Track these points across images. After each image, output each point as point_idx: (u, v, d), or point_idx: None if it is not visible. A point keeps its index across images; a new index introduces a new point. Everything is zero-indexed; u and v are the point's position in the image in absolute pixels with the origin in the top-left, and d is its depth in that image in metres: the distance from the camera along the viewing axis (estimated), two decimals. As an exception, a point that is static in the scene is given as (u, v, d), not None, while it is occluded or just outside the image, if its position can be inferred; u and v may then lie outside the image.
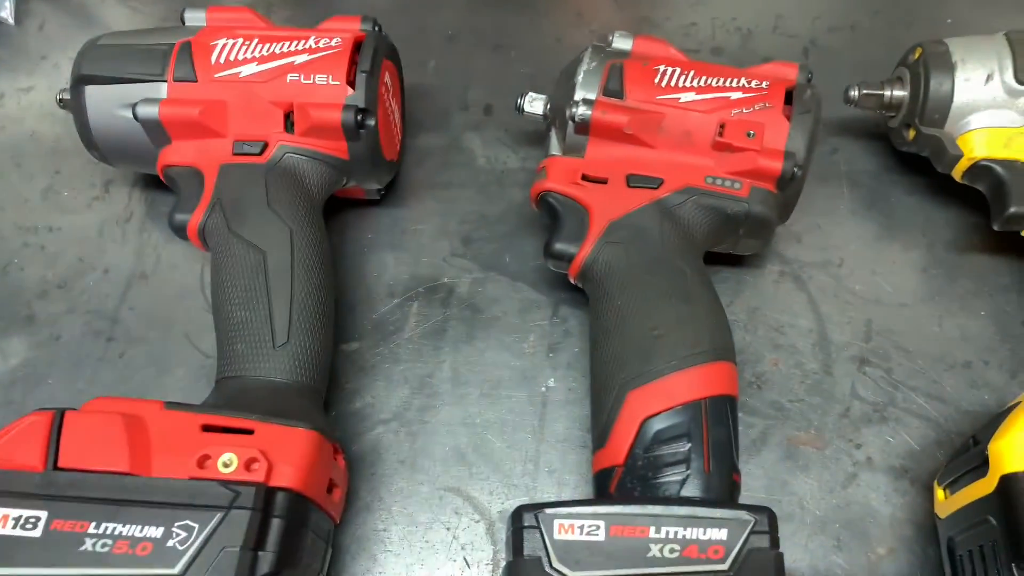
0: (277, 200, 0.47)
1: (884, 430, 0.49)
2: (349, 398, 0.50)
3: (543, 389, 0.51)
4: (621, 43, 0.51)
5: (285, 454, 0.38)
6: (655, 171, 0.48)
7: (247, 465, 0.37)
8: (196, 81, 0.49)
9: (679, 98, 0.48)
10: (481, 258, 0.55)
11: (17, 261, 0.55)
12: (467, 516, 0.47)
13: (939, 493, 0.44)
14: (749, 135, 0.47)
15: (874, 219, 0.56)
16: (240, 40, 0.49)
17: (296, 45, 0.49)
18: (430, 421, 0.49)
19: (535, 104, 0.53)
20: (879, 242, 0.55)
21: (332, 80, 0.48)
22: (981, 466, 0.40)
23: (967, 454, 0.42)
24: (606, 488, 0.41)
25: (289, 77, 0.48)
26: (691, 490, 0.39)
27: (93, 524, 0.35)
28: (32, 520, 0.35)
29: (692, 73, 0.49)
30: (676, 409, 0.41)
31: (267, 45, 0.49)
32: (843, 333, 0.52)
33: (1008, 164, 0.49)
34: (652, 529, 0.37)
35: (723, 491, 0.40)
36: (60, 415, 0.38)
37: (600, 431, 0.43)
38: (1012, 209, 0.49)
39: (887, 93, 0.53)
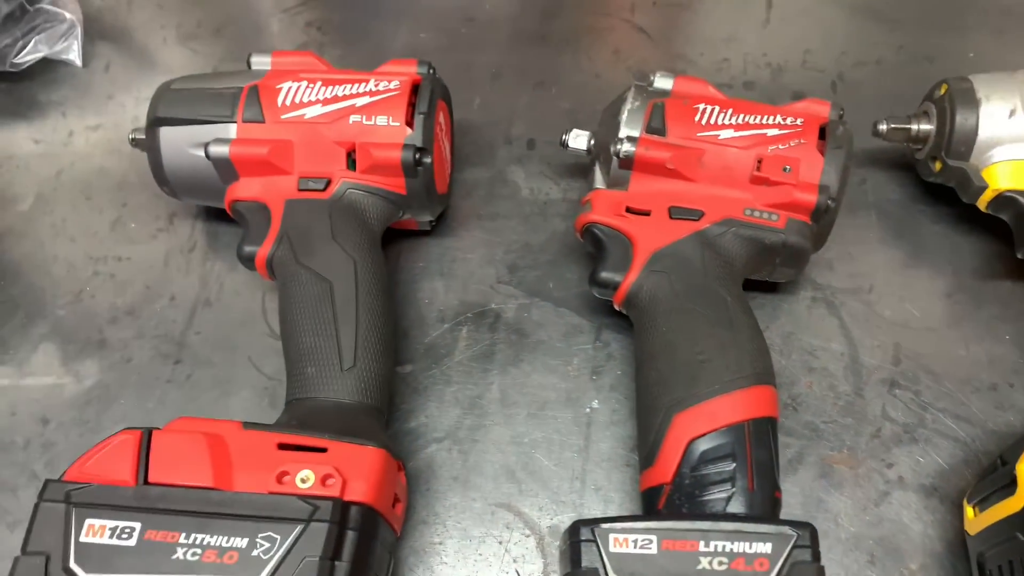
0: (341, 233, 0.50)
1: (914, 450, 0.51)
2: (404, 418, 0.53)
3: (587, 410, 0.53)
4: (662, 83, 0.54)
5: (357, 471, 0.41)
6: (696, 203, 0.51)
7: (323, 481, 0.40)
8: (264, 122, 0.52)
9: (718, 135, 0.51)
10: (526, 285, 0.58)
11: (88, 289, 0.59)
12: (518, 531, 0.49)
13: (968, 511, 0.46)
14: (785, 169, 0.50)
15: (902, 247, 0.59)
16: (304, 83, 0.53)
17: (357, 88, 0.52)
18: (481, 440, 0.52)
19: (579, 140, 0.56)
20: (907, 269, 0.58)
21: (392, 121, 0.52)
22: (1009, 485, 0.42)
23: (995, 474, 0.44)
24: (654, 505, 0.44)
25: (352, 119, 0.52)
26: (736, 507, 0.42)
27: (183, 535, 0.38)
28: (127, 530, 0.38)
29: (730, 111, 0.52)
30: (721, 431, 0.43)
31: (330, 88, 0.52)
32: (873, 356, 0.54)
33: (1032, 196, 0.52)
34: (701, 543, 0.39)
35: (766, 508, 0.42)
36: (148, 433, 0.41)
37: (648, 451, 0.45)
38: (1036, 239, 0.51)
39: (914, 127, 0.56)
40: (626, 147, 0.51)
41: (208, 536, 0.38)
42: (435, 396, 0.54)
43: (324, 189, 0.51)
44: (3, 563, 0.37)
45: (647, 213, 0.51)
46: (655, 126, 0.51)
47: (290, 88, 0.53)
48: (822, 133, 0.51)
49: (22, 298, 0.58)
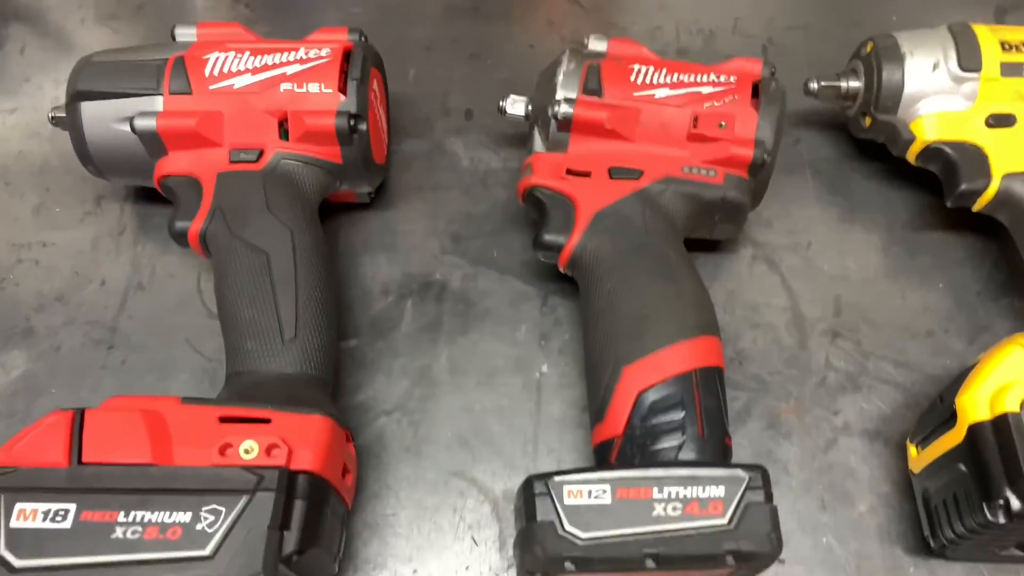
0: (276, 204, 0.49)
1: (858, 397, 0.52)
2: (351, 392, 0.52)
3: (537, 375, 0.53)
4: (597, 45, 0.54)
5: (303, 439, 0.39)
6: (635, 163, 0.51)
7: (268, 451, 0.39)
8: (191, 93, 0.50)
9: (654, 94, 0.51)
10: (470, 254, 0.57)
11: (12, 277, 0.56)
12: (472, 498, 0.48)
13: (912, 450, 0.47)
14: (721, 126, 0.50)
15: (837, 203, 0.60)
16: (232, 53, 0.51)
17: (288, 56, 0.51)
18: (431, 410, 0.51)
19: (516, 105, 0.56)
20: (843, 224, 0.59)
21: (324, 88, 0.50)
22: (949, 420, 0.44)
23: (935, 411, 0.46)
24: (607, 458, 0.44)
25: (283, 87, 0.50)
26: (687, 454, 0.42)
27: (122, 513, 0.36)
28: (61, 512, 0.36)
29: (665, 71, 0.52)
30: (669, 381, 0.43)
31: (259, 57, 0.51)
32: (815, 309, 0.55)
33: (957, 145, 0.53)
34: (655, 490, 0.39)
35: (717, 454, 0.43)
36: (80, 413, 0.39)
37: (598, 407, 0.45)
38: (963, 186, 0.52)
39: (843, 84, 0.57)
40: (563, 109, 0.51)
41: (149, 513, 0.37)
42: (383, 369, 0.53)
43: (257, 160, 0.50)
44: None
45: (587, 174, 0.51)
46: (591, 87, 0.51)
47: (218, 58, 0.51)
48: (755, 90, 0.52)
49: (-60, 290, 0.55)
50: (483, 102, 0.63)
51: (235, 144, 0.51)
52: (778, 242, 0.58)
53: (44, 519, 0.36)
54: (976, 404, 0.42)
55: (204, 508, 0.37)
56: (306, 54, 0.51)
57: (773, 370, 0.53)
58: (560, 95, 0.51)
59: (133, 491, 0.37)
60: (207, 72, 0.51)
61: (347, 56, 0.52)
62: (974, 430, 0.42)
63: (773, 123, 0.50)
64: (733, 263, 0.57)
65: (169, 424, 0.40)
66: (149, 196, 0.58)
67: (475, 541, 0.47)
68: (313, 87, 0.50)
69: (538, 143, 0.54)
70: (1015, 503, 0.39)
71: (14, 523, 0.36)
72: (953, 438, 0.43)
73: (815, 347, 0.54)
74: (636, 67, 0.52)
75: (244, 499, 0.37)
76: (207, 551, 0.36)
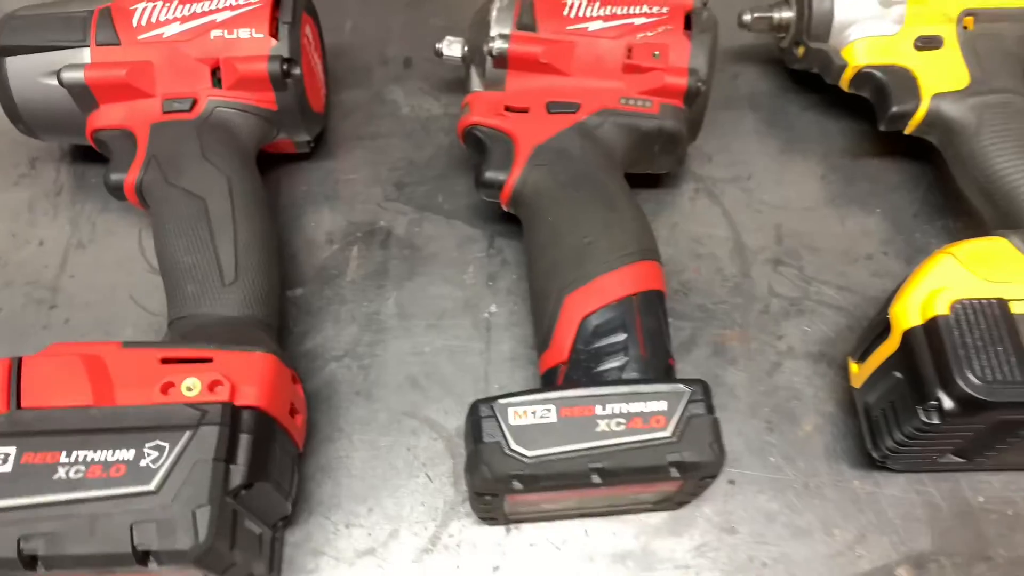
0: (212, 151, 0.49)
1: (801, 321, 0.53)
2: (299, 340, 0.52)
3: (486, 315, 0.53)
4: (530, -19, 0.54)
5: (246, 376, 0.40)
6: (572, 97, 0.51)
7: (211, 388, 0.39)
8: (119, 44, 0.50)
9: (587, 27, 0.51)
10: (415, 200, 0.58)
11: (-53, 242, 0.55)
12: (425, 435, 0.49)
13: (853, 367, 0.48)
14: (655, 56, 0.51)
15: (776, 135, 0.61)
16: (160, 3, 0.51)
17: (217, 3, 0.50)
18: (381, 354, 0.52)
19: (453, 47, 0.56)
20: (782, 155, 0.60)
21: (256, 33, 0.50)
22: (884, 332, 0.45)
23: (873, 325, 0.47)
24: (553, 384, 0.44)
25: (213, 34, 0.50)
26: (630, 374, 0.43)
27: (64, 453, 0.36)
28: (2, 457, 0.36)
29: (598, 3, 0.52)
30: (611, 305, 0.44)
31: (188, 5, 0.50)
32: (757, 239, 0.56)
33: (887, 69, 0.54)
34: (598, 407, 0.40)
35: (660, 373, 0.43)
36: (17, 361, 0.39)
37: (543, 335, 0.46)
38: (894, 109, 0.54)
39: (776, 15, 0.58)
40: (498, 44, 0.51)
41: (91, 452, 0.37)
42: (330, 316, 0.53)
43: (190, 110, 0.50)
44: None
45: (525, 110, 0.51)
46: (525, 22, 0.51)
47: (145, 8, 0.50)
48: (688, 21, 0.52)
49: None
50: (422, 49, 0.63)
51: (168, 94, 0.50)
52: (719, 175, 0.59)
53: (-17, 464, 0.36)
54: (908, 311, 0.43)
55: (147, 445, 0.37)
56: (236, 1, 0.51)
57: (718, 299, 0.54)
58: (494, 31, 0.52)
59: (75, 432, 0.37)
60: (135, 22, 0.50)
61: (278, 2, 0.51)
62: (907, 336, 0.43)
63: (706, 52, 0.51)
64: (676, 198, 0.58)
65: (110, 367, 0.39)
66: (85, 155, 0.57)
67: (429, 477, 0.48)
68: (244, 33, 0.50)
69: (476, 83, 0.54)
70: (947, 403, 0.40)
71: (-45, 471, 0.36)
72: (889, 348, 0.44)
73: (758, 275, 0.55)
74: (569, 1, 0.52)
75: (187, 434, 0.37)
76: (152, 486, 0.36)
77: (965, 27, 0.55)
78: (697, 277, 0.55)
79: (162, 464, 0.36)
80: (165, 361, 0.40)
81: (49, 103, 0.51)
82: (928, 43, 0.54)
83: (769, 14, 0.58)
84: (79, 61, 0.49)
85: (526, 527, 0.46)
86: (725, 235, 0.57)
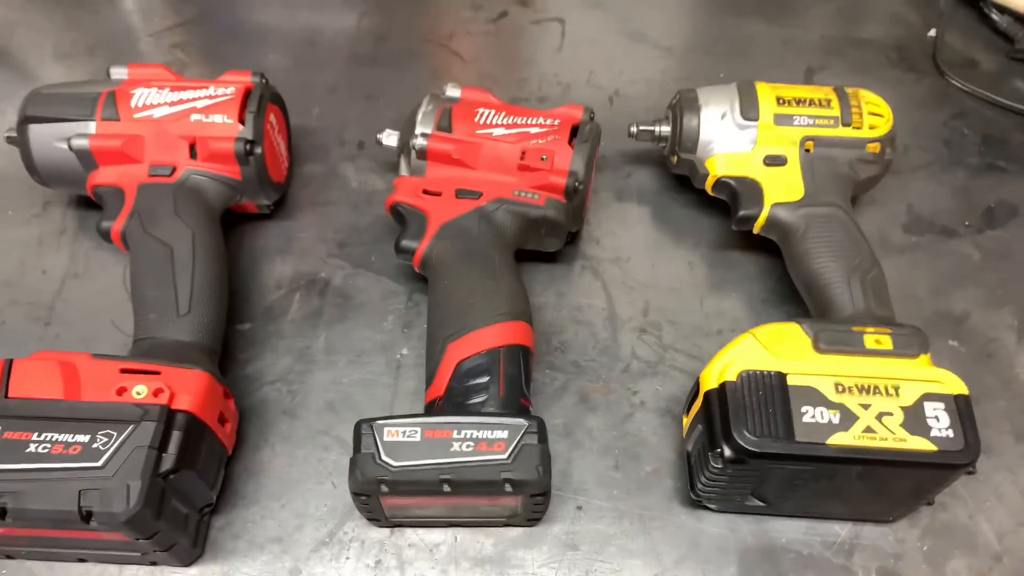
0: (183, 209, 0.61)
1: (655, 381, 0.64)
2: (242, 365, 0.63)
3: (398, 356, 0.64)
4: (452, 92, 0.67)
5: (184, 387, 0.51)
6: (476, 186, 0.63)
7: (155, 394, 0.50)
8: (119, 120, 0.63)
9: (492, 132, 0.64)
10: (352, 258, 0.70)
11: (-34, 267, 0.68)
12: (335, 451, 0.59)
13: (684, 421, 0.59)
14: (543, 159, 0.63)
15: (656, 226, 0.73)
16: (155, 89, 0.64)
17: (199, 93, 0.63)
18: (307, 382, 0.63)
19: (391, 138, 0.69)
20: (658, 243, 0.72)
21: (227, 119, 0.63)
22: (697, 392, 0.56)
23: (694, 386, 0.57)
24: (431, 413, 0.55)
25: (193, 117, 0.63)
26: (488, 409, 0.53)
27: (36, 434, 0.47)
28: (-11, 433, 0.48)
29: (504, 114, 0.65)
30: (481, 354, 0.55)
31: (176, 92, 0.63)
32: (627, 311, 0.67)
33: (740, 179, 0.66)
34: (455, 432, 0.51)
35: (513, 410, 0.54)
36: (9, 362, 0.51)
37: (430, 375, 0.57)
38: (742, 212, 0.65)
39: (656, 129, 0.71)
40: (420, 141, 0.63)
41: (57, 434, 0.47)
42: (270, 347, 0.64)
43: (170, 175, 0.62)
44: None
45: (439, 194, 0.64)
46: (443, 125, 0.64)
47: (142, 93, 0.63)
48: (573, 132, 0.65)
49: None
50: (373, 135, 0.75)
51: (154, 161, 0.63)
52: (603, 256, 0.71)
53: (-24, 438, 0.48)
54: (710, 376, 0.54)
55: (100, 432, 0.48)
56: (214, 91, 0.64)
57: (588, 357, 0.65)
58: (419, 131, 0.64)
59: (46, 418, 0.48)
60: (133, 104, 0.63)
61: (248, 94, 0.64)
62: (707, 396, 0.53)
63: (584, 158, 0.63)
64: (565, 272, 0.70)
65: (80, 371, 0.51)
66: (87, 203, 0.69)
67: (334, 485, 0.58)
68: (217, 118, 0.63)
69: (404, 168, 0.67)
70: (727, 451, 0.50)
71: (-49, 440, 0.47)
72: (698, 405, 0.55)
73: (624, 340, 0.66)
74: (480, 110, 0.65)
75: (131, 427, 0.48)
76: (99, 463, 0.47)
77: (807, 150, 0.66)
78: (574, 338, 0.66)
79: (109, 447, 0.47)
80: (124, 371, 0.51)
81: (60, 162, 0.63)
82: (774, 161, 0.66)
83: (651, 127, 0.71)
84: (86, 132, 0.62)
85: (408, 531, 0.56)
86: (602, 305, 0.68)
